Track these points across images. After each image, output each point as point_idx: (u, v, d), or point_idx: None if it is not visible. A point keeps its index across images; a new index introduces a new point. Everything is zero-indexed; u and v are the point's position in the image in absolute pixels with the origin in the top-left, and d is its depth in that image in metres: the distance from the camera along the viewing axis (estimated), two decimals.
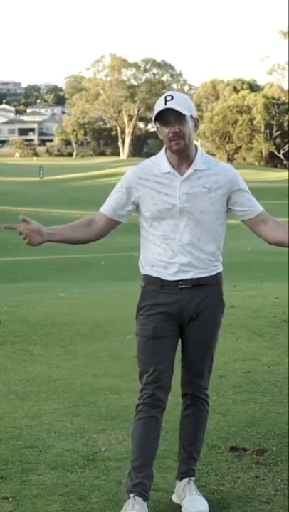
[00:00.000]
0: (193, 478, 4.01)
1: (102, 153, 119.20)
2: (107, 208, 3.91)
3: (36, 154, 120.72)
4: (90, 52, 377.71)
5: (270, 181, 67.53)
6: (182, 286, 3.81)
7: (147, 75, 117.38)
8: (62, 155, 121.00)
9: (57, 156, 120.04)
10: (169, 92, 3.76)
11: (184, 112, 3.69)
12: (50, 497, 4.06)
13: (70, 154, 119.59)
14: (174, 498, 4.04)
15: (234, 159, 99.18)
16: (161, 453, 4.30)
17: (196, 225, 3.80)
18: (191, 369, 3.93)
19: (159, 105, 3.73)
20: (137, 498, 3.74)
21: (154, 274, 3.85)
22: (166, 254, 3.81)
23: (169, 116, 3.70)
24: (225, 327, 8.59)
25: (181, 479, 3.99)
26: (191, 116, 3.75)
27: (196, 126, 3.82)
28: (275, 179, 70.09)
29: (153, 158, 3.90)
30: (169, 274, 3.82)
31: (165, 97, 3.72)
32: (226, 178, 3.82)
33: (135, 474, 3.79)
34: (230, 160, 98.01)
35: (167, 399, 3.86)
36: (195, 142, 3.87)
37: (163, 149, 3.87)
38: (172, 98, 3.70)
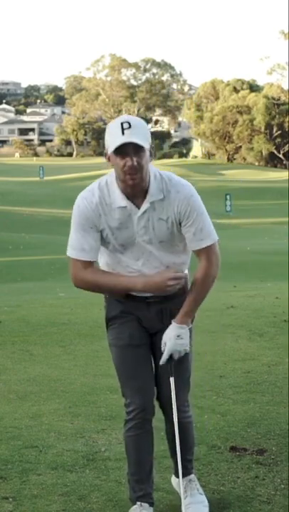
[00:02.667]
0: (193, 476, 3.97)
1: (102, 153, 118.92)
2: (92, 255, 3.63)
3: (36, 154, 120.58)
4: (90, 52, 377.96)
5: (270, 181, 67.50)
6: (150, 301, 3.70)
7: (147, 75, 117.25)
8: (62, 155, 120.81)
9: (57, 156, 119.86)
10: (124, 117, 3.47)
11: (143, 143, 3.43)
12: (50, 497, 4.06)
13: (70, 154, 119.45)
14: (173, 482, 4.08)
15: (234, 159, 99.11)
16: (161, 453, 4.30)
17: (159, 250, 3.63)
18: (166, 385, 3.74)
19: (116, 135, 3.43)
20: (143, 504, 3.77)
21: None
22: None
23: (127, 148, 3.41)
24: (225, 327, 8.66)
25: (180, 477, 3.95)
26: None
27: (151, 154, 3.53)
28: (275, 179, 70.04)
29: (103, 186, 3.59)
30: (135, 291, 3.69)
31: (121, 125, 3.42)
32: (178, 208, 3.57)
33: (138, 487, 3.80)
34: (230, 160, 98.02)
35: (154, 405, 3.83)
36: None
37: (113, 179, 3.58)
38: (130, 126, 3.41)
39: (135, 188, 3.52)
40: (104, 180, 3.61)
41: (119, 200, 3.56)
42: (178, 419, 3.77)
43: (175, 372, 3.72)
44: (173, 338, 3.65)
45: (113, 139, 3.45)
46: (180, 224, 3.61)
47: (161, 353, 3.70)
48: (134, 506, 3.78)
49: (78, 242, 3.61)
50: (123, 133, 3.41)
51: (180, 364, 3.75)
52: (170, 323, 3.69)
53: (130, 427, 3.79)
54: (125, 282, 3.65)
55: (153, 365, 3.82)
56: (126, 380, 3.78)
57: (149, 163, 3.52)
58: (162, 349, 3.69)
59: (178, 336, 3.65)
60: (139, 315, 3.73)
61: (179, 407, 3.77)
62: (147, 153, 3.49)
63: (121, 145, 3.41)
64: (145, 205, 3.56)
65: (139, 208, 3.57)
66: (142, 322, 3.74)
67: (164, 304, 3.72)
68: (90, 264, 3.65)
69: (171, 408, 3.75)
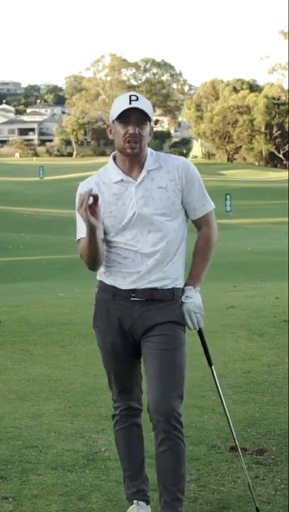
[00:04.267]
0: None
1: (102, 153, 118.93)
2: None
3: (36, 154, 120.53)
4: (90, 52, 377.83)
5: (270, 181, 67.52)
6: (135, 299, 3.62)
7: (147, 74, 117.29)
8: (62, 155, 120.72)
9: (57, 156, 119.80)
10: (133, 92, 3.59)
11: (148, 113, 3.52)
12: (50, 497, 4.06)
13: (70, 154, 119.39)
14: None
15: (234, 159, 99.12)
16: None
17: (159, 230, 3.59)
18: (155, 388, 3.55)
19: (123, 103, 3.53)
20: (140, 503, 3.77)
21: (109, 282, 3.69)
22: (127, 264, 3.61)
23: (131, 117, 3.51)
24: (225, 327, 8.67)
25: None
26: (149, 121, 3.56)
27: (150, 134, 3.61)
28: (275, 179, 70.06)
29: (101, 170, 3.69)
30: (124, 283, 3.63)
31: (130, 96, 3.53)
32: (178, 173, 3.62)
33: (131, 483, 3.81)
34: (230, 160, 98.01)
35: (142, 403, 3.82)
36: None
37: (111, 159, 3.67)
38: (137, 99, 3.52)
39: (133, 157, 3.58)
40: (103, 167, 3.71)
41: (116, 174, 3.61)
42: (165, 437, 3.55)
43: (164, 372, 3.57)
44: (184, 299, 3.64)
45: (119, 106, 3.54)
46: (181, 191, 3.63)
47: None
48: (132, 506, 3.78)
49: (79, 224, 3.63)
50: (130, 103, 3.51)
51: (169, 363, 3.58)
52: (153, 329, 3.61)
53: (117, 420, 3.83)
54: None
55: (148, 366, 3.67)
56: (110, 378, 3.82)
57: (148, 138, 3.60)
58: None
59: (186, 297, 3.65)
60: (122, 317, 3.66)
61: (167, 415, 3.52)
62: (149, 127, 3.58)
63: (126, 112, 3.50)
64: (142, 174, 3.61)
65: (136, 180, 3.62)
66: (125, 326, 3.66)
67: (149, 305, 3.62)
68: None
69: (157, 419, 3.54)
